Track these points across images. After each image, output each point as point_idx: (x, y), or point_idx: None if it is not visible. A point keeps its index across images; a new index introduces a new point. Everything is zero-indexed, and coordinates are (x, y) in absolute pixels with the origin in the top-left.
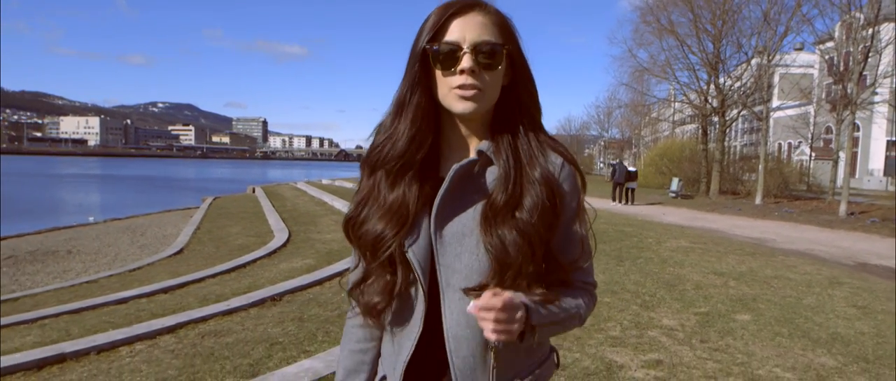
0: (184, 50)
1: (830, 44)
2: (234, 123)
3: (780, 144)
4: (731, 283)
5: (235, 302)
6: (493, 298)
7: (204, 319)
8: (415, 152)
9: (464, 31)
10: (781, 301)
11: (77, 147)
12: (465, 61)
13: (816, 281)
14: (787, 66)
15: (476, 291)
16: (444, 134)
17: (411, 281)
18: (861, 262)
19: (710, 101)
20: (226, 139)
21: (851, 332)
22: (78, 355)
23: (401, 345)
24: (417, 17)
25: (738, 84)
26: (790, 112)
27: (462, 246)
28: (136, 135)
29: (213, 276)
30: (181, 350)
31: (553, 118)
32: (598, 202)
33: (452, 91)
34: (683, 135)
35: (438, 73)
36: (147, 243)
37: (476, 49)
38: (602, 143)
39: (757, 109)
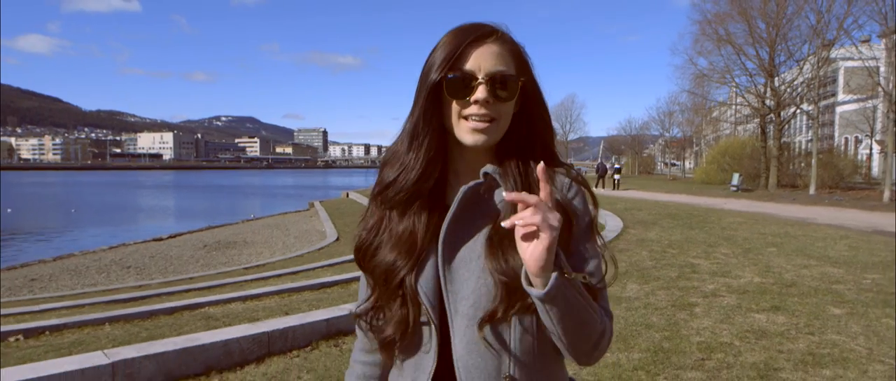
0: (243, 65)
1: None
2: (295, 133)
3: (846, 138)
4: (769, 237)
5: None
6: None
7: None
8: (425, 182)
9: (479, 60)
10: (798, 243)
11: (154, 161)
12: (480, 92)
13: (830, 236)
14: (845, 59)
15: (489, 321)
16: (451, 162)
17: (422, 313)
18: (879, 230)
19: (766, 102)
20: (288, 150)
21: (835, 254)
22: None
23: (415, 379)
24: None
25: (790, 89)
26: (852, 107)
27: (469, 271)
28: (206, 148)
29: None
30: None
31: (613, 119)
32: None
33: (464, 121)
34: (745, 133)
35: (450, 101)
36: (300, 236)
37: (491, 79)
38: (662, 142)
39: (807, 108)
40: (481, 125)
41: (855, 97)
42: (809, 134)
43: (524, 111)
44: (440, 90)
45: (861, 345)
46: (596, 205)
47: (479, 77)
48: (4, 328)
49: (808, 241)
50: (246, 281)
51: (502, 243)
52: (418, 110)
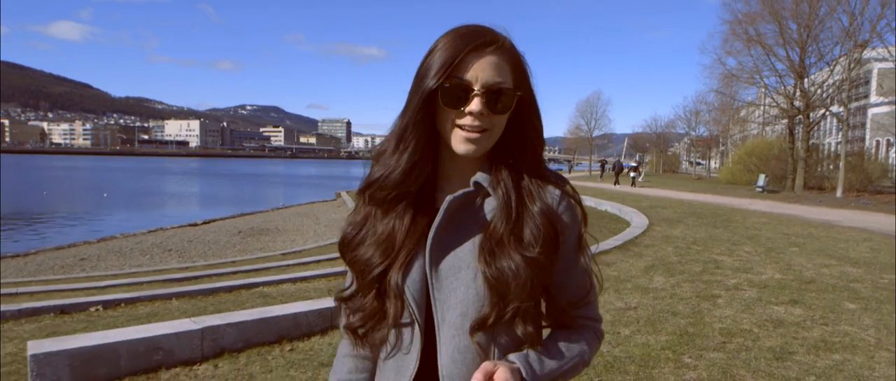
0: (268, 55)
1: None
2: (319, 124)
3: (877, 141)
4: (792, 238)
5: None
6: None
7: None
8: (411, 184)
9: (477, 70)
10: (820, 244)
11: (181, 149)
12: (475, 104)
13: (852, 238)
14: (879, 61)
15: (480, 328)
16: (442, 165)
17: (406, 317)
18: None
19: (795, 103)
20: (312, 140)
21: (856, 255)
22: None
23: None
24: (483, 18)
25: (820, 91)
26: (885, 109)
27: (458, 280)
28: (231, 136)
29: None
30: None
31: (639, 117)
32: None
33: (457, 130)
34: (772, 134)
35: (445, 108)
36: (329, 224)
37: (488, 92)
38: (687, 140)
39: (837, 110)
40: (473, 136)
41: (887, 100)
42: (838, 136)
43: (518, 121)
44: (435, 96)
45: (871, 336)
46: (585, 220)
47: (476, 88)
48: (86, 299)
49: (830, 242)
50: (288, 266)
51: (495, 250)
52: (409, 113)
